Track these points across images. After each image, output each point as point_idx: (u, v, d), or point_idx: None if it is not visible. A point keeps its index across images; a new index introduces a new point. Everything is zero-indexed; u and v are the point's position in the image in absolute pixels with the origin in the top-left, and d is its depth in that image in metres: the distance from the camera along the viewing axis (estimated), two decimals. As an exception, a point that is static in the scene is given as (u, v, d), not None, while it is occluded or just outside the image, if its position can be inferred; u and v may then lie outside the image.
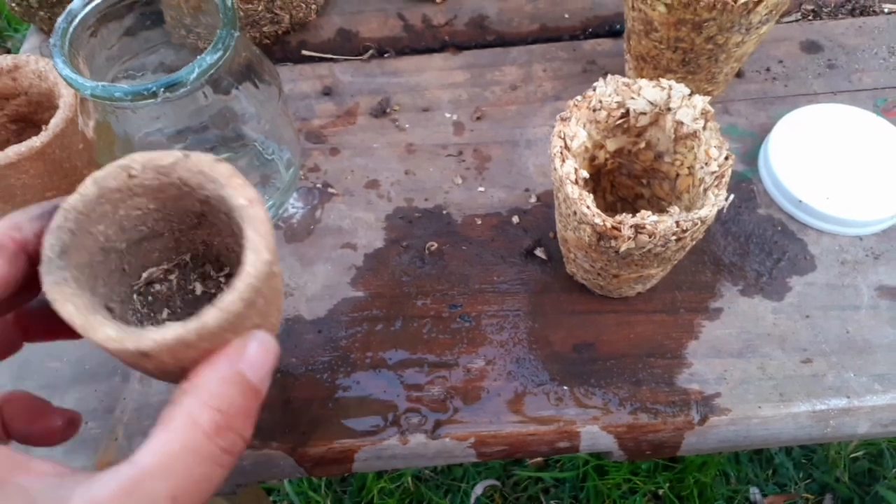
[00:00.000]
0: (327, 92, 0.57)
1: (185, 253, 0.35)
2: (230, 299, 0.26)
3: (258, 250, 0.27)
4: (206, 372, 0.26)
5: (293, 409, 0.42)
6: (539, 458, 1.03)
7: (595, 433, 0.41)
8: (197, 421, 0.25)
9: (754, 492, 1.01)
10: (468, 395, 0.42)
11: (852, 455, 1.04)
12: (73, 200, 0.28)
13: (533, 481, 1.02)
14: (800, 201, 0.48)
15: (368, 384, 0.43)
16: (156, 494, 0.23)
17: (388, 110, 0.55)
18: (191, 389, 0.26)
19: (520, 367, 0.43)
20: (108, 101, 0.36)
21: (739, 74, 0.56)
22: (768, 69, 0.57)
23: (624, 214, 0.36)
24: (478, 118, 0.55)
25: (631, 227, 0.36)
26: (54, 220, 0.28)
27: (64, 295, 0.26)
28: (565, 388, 0.42)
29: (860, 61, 0.56)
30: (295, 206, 0.51)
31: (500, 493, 1.01)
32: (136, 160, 0.29)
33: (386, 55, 0.60)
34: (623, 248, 0.37)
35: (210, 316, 0.25)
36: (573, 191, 0.37)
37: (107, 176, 0.29)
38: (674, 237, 0.37)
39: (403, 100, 0.56)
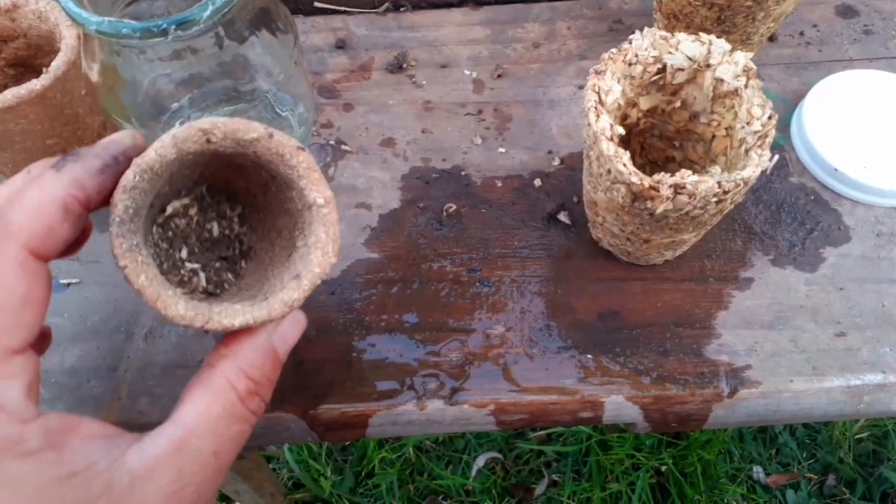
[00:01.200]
0: (341, 45, 0.54)
1: (202, 183, 0.33)
2: (295, 297, 0.29)
3: (327, 252, 0.29)
4: (245, 340, 0.28)
5: (305, 372, 0.40)
6: (542, 432, 1.02)
7: (620, 403, 0.40)
8: (235, 385, 0.27)
9: (758, 470, 1.00)
10: (488, 361, 0.41)
11: (857, 436, 1.03)
12: (149, 160, 0.27)
13: (535, 454, 1.01)
14: (835, 170, 0.46)
15: (384, 347, 0.41)
16: (201, 451, 0.26)
17: (404, 66, 0.53)
18: (230, 355, 0.28)
19: (542, 335, 0.41)
20: (114, 37, 0.34)
21: (772, 38, 0.54)
22: (802, 33, 0.54)
23: (662, 174, 0.34)
24: (498, 76, 0.52)
25: (670, 186, 0.34)
26: (127, 179, 0.27)
27: (136, 263, 0.26)
28: (589, 356, 0.41)
29: (898, 27, 0.54)
30: (307, 163, 0.49)
31: (501, 466, 1.00)
32: (219, 126, 0.28)
33: (402, 8, 0.57)
34: (660, 209, 0.35)
35: (276, 309, 0.28)
36: (608, 147, 0.35)
37: (187, 139, 0.28)
38: (714, 199, 0.35)
39: (420, 55, 0.54)
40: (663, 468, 0.98)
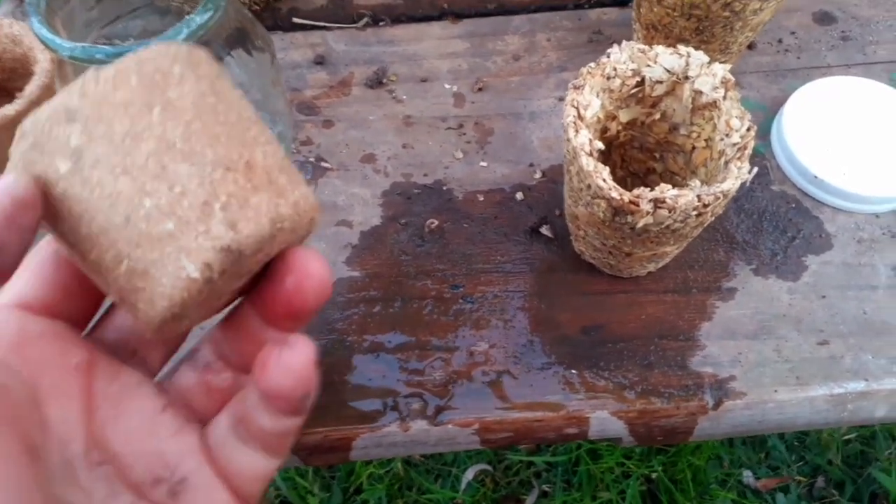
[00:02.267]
0: (320, 61, 0.54)
1: None
2: None
3: None
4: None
5: (288, 394, 0.40)
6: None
7: (605, 419, 0.39)
8: None
9: (747, 475, 1.00)
10: (472, 379, 0.40)
11: (845, 437, 1.03)
12: None
13: (525, 465, 1.00)
14: (815, 177, 0.46)
15: (366, 368, 0.41)
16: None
17: (384, 80, 0.53)
18: None
19: (526, 351, 0.41)
20: (88, 63, 0.33)
21: (751, 46, 0.54)
22: (780, 41, 0.54)
23: (641, 188, 0.34)
24: (479, 89, 0.52)
25: (650, 201, 0.34)
26: None
27: None
28: (573, 371, 0.40)
29: (874, 33, 0.54)
30: (287, 181, 0.48)
31: (491, 478, 1.00)
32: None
33: (381, 23, 0.57)
34: (641, 223, 0.35)
35: None
36: (588, 163, 0.35)
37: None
38: (694, 212, 0.34)
39: (400, 70, 0.54)
40: (653, 475, 0.98)
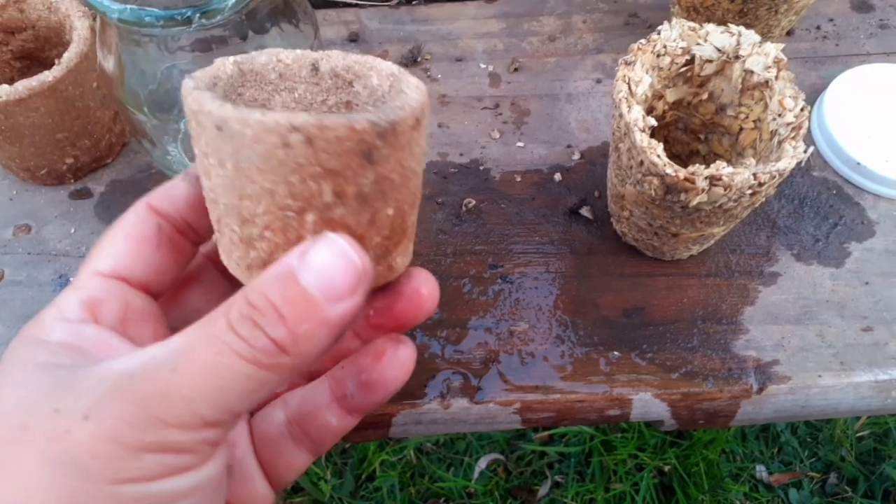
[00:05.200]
0: (353, 39, 0.53)
1: None
2: (364, 117, 0.21)
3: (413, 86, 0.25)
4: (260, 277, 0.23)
5: (326, 371, 0.39)
6: (544, 433, 1.01)
7: (647, 401, 0.39)
8: (227, 311, 0.22)
9: (760, 469, 1.00)
10: (512, 359, 0.40)
11: (858, 434, 1.03)
12: None
13: (537, 456, 1.00)
14: (858, 164, 0.45)
15: (406, 345, 0.40)
16: (158, 365, 0.22)
17: (418, 59, 0.52)
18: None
19: (566, 332, 0.41)
20: (136, 26, 0.33)
21: (790, 33, 0.53)
22: (818, 27, 0.54)
23: (697, 165, 0.34)
24: (515, 70, 0.52)
25: (706, 178, 0.33)
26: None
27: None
28: (616, 353, 0.40)
29: (914, 21, 0.54)
30: (322, 158, 0.48)
31: (503, 467, 0.99)
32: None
33: (415, 2, 0.56)
34: (694, 201, 0.34)
35: (333, 118, 0.21)
36: (642, 139, 0.34)
37: None
38: (749, 191, 0.34)
39: (435, 49, 0.53)
40: (666, 468, 0.98)
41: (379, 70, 0.27)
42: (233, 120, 0.21)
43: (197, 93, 0.22)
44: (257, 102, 0.28)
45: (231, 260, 0.25)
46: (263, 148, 0.21)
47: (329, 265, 0.22)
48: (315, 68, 0.27)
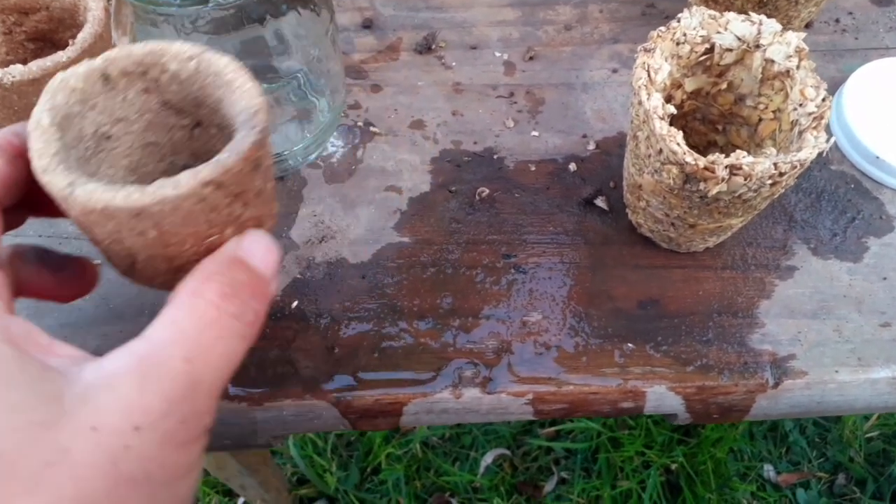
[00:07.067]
0: (367, 25, 0.53)
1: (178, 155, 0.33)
2: (244, 143, 0.25)
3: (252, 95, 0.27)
4: (204, 261, 0.26)
5: (337, 358, 0.39)
6: (551, 429, 1.01)
7: (662, 394, 0.38)
8: (203, 294, 0.25)
9: (768, 469, 1.00)
10: (525, 349, 0.39)
11: (867, 435, 1.02)
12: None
13: (544, 451, 1.00)
14: (877, 157, 0.45)
15: (418, 333, 0.40)
16: (170, 357, 0.23)
17: (433, 46, 0.52)
18: (191, 275, 0.25)
19: (580, 323, 0.40)
20: (153, 5, 0.32)
21: (808, 25, 0.53)
22: (837, 20, 0.53)
23: (717, 154, 0.33)
24: (530, 58, 0.51)
25: (726, 167, 0.33)
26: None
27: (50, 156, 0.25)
28: (630, 345, 0.39)
29: (936, 15, 0.53)
30: (335, 145, 0.47)
31: (510, 463, 0.99)
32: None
33: (429, -10, 0.56)
34: (714, 191, 0.34)
35: (225, 157, 0.24)
36: (662, 127, 0.34)
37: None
38: (769, 181, 0.33)
39: (449, 36, 0.53)
40: (673, 466, 0.97)
41: (174, 55, 0.28)
42: (150, 204, 0.23)
43: (90, 190, 0.23)
44: (104, 150, 0.29)
45: (154, 284, 0.29)
46: (185, 209, 0.24)
47: (264, 254, 0.27)
48: (106, 77, 0.28)
